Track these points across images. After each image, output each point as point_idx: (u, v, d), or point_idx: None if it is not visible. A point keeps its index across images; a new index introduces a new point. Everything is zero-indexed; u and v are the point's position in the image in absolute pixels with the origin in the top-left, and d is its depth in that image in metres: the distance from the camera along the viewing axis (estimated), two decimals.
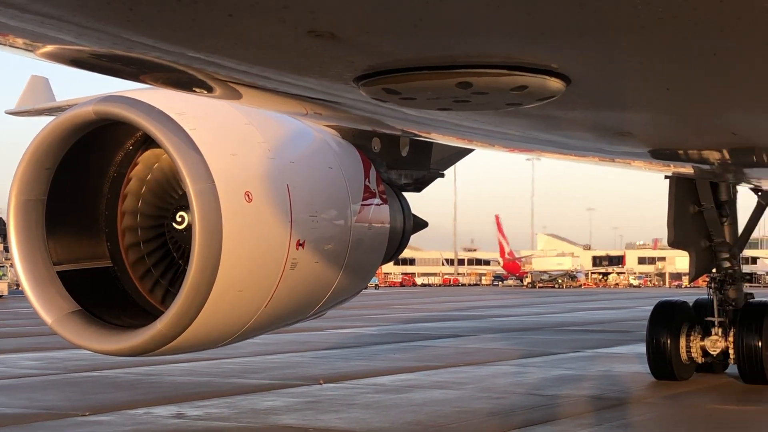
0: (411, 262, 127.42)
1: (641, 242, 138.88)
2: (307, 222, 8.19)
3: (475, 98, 4.61)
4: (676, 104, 5.93)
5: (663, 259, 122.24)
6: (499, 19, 3.68)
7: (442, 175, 11.29)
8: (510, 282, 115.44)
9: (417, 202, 11.02)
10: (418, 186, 10.97)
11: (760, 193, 15.65)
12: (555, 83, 4.47)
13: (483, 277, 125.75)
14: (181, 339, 7.67)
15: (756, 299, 15.38)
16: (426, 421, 11.01)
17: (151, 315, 8.05)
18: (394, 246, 9.86)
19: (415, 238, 11.03)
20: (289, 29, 3.74)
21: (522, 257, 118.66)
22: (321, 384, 14.17)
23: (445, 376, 15.50)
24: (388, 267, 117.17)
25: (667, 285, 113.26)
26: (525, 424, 10.67)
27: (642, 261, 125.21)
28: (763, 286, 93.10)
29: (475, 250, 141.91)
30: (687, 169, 11.97)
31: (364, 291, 10.69)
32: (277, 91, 5.30)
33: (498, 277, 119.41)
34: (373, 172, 9.45)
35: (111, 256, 8.49)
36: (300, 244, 8.04)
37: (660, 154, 9.59)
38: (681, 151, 9.33)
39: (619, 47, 4.19)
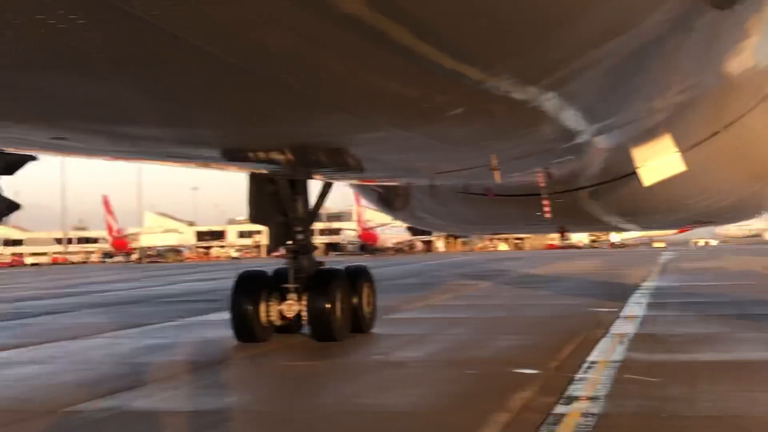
0: (19, 243, 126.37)
1: (241, 217, 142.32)
2: None
3: None
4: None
5: (259, 232, 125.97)
6: None
7: (35, 158, 11.54)
8: (119, 258, 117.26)
9: (18, 184, 11.11)
10: (9, 169, 11.24)
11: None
12: None
13: (92, 255, 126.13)
14: None
15: (325, 266, 17.27)
16: (17, 395, 11.56)
17: None
18: None
19: (22, 220, 11.30)
20: None
21: (130, 234, 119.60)
22: None
23: (42, 352, 15.91)
24: None
25: (264, 255, 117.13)
26: (112, 391, 11.45)
27: (242, 235, 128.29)
28: (348, 254, 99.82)
29: (85, 228, 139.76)
30: (262, 170, 14.04)
31: None
32: None
33: (107, 255, 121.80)
34: None
35: None
36: None
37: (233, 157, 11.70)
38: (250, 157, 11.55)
39: None
